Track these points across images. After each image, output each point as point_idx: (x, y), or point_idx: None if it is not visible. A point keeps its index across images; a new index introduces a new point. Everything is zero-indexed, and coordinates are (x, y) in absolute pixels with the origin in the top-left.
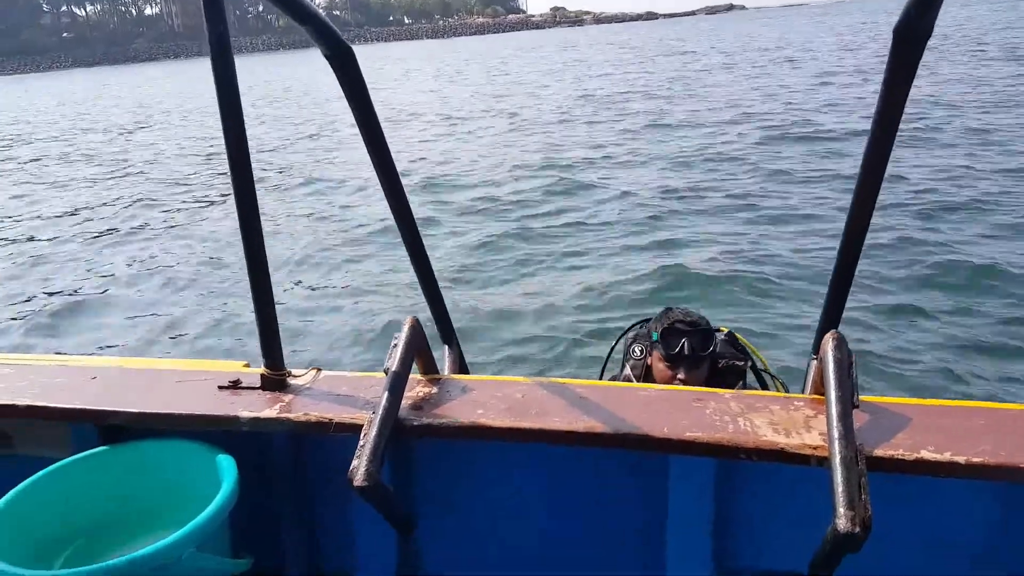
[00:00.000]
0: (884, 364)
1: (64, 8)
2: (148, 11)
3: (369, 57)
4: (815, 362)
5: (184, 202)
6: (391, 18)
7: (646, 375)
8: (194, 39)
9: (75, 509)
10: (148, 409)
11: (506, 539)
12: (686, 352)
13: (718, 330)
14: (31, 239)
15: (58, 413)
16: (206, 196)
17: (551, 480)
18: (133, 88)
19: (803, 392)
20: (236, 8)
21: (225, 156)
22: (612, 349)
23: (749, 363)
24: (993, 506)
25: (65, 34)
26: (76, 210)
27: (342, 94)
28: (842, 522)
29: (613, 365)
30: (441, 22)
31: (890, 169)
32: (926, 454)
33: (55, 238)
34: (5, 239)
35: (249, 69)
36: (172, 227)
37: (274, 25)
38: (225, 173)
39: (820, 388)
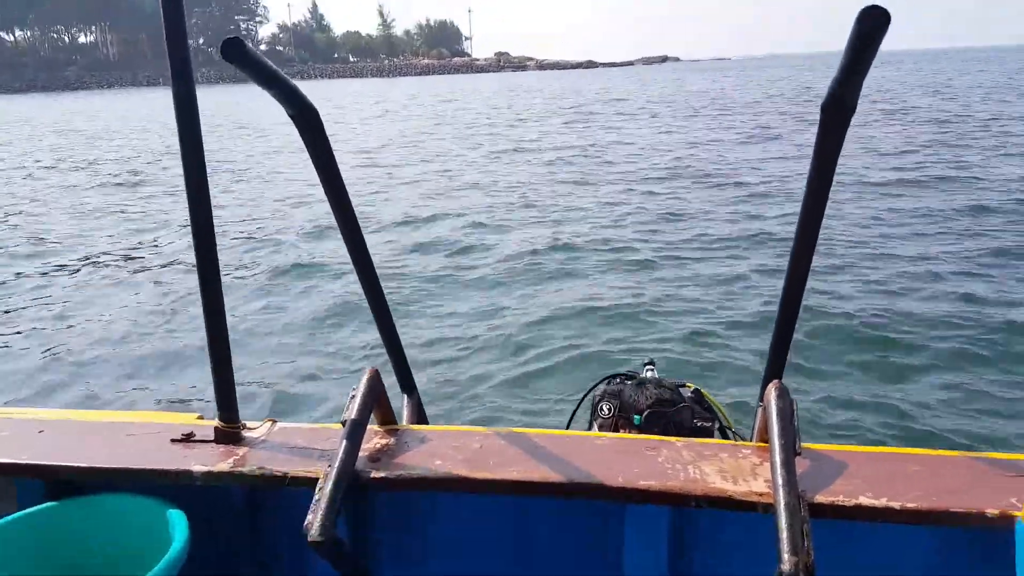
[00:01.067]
0: (823, 411)
1: None
2: (82, 39)
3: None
4: (760, 410)
5: (138, 245)
6: (336, 55)
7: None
8: (128, 68)
9: (22, 568)
10: (98, 463)
11: None
12: (643, 423)
13: (684, 385)
14: None
15: (3, 468)
16: (161, 241)
17: (509, 530)
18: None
19: (751, 439)
20: None
21: (184, 199)
22: (580, 403)
23: (717, 424)
24: (929, 549)
25: None
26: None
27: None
28: (787, 567)
29: (582, 413)
30: (387, 61)
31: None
32: (864, 500)
33: None
34: None
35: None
36: (122, 274)
37: (216, 58)
38: (180, 216)
39: (765, 435)
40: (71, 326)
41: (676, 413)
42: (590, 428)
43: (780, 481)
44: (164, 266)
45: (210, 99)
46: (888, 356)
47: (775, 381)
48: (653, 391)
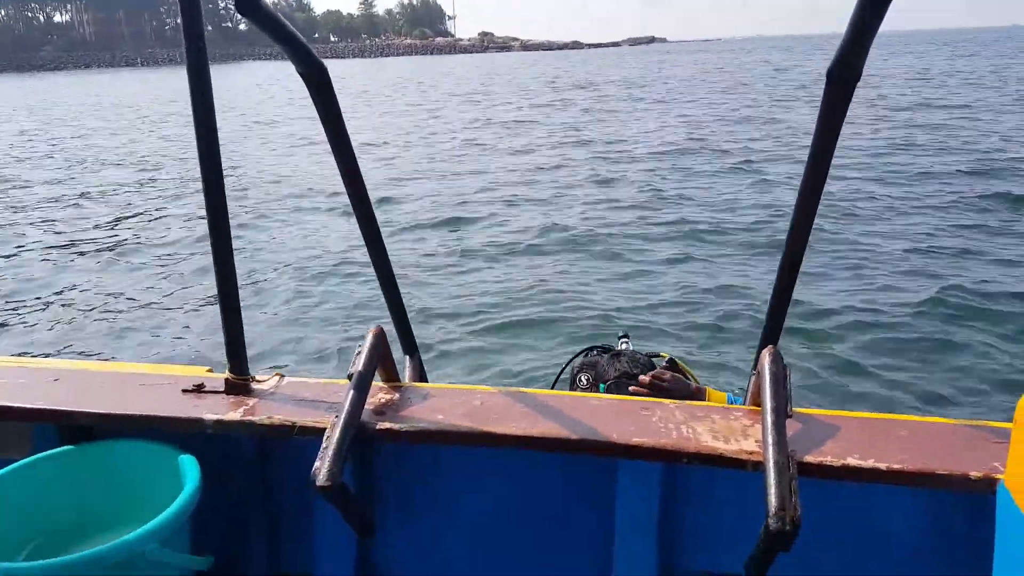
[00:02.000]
0: (817, 378)
1: None
2: (57, 18)
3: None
4: (754, 376)
5: (149, 208)
6: (316, 35)
7: None
8: (107, 48)
9: (36, 509)
10: (111, 410)
11: (462, 543)
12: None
13: (659, 355)
14: None
15: (20, 413)
16: (173, 203)
17: (506, 484)
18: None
19: (743, 404)
20: (154, 19)
21: (196, 166)
22: (560, 372)
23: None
24: (914, 510)
25: None
26: (33, 209)
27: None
28: (773, 521)
29: (561, 386)
30: (368, 42)
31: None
32: (852, 461)
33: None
34: None
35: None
36: (137, 233)
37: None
38: (193, 182)
39: (758, 400)
40: (88, 284)
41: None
42: None
43: (770, 440)
44: (179, 228)
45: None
46: (878, 331)
47: (769, 347)
48: (624, 363)
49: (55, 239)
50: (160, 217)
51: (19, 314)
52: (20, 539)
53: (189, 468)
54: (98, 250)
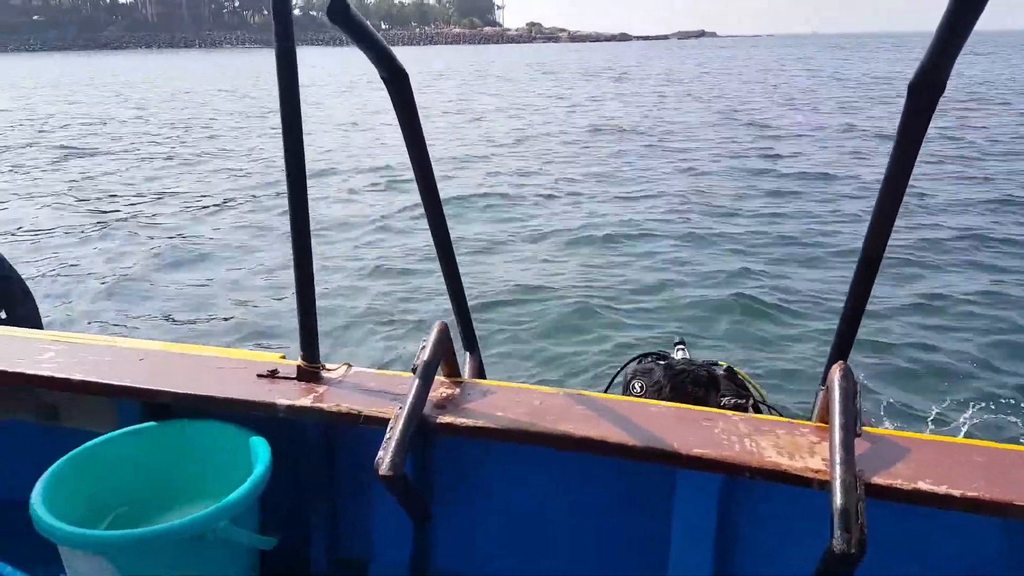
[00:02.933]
0: (889, 396)
1: None
2: None
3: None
4: (822, 392)
5: (233, 200)
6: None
7: None
8: (167, 29)
9: (118, 481)
10: (190, 391)
11: (515, 538)
12: (701, 395)
13: (716, 364)
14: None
15: (105, 389)
16: (257, 196)
17: (562, 485)
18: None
19: (810, 420)
20: (212, 3)
21: (281, 160)
22: (613, 380)
23: (751, 400)
24: (989, 540)
25: (36, 16)
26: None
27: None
28: (838, 542)
29: (614, 391)
30: (418, 30)
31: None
32: (923, 485)
33: (93, 225)
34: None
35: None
36: (218, 224)
37: (250, 22)
38: (277, 179)
39: (825, 416)
40: (173, 272)
41: (699, 392)
42: None
43: (838, 459)
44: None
45: (240, 61)
46: (951, 348)
47: (840, 362)
48: (682, 370)
49: (143, 229)
50: (245, 208)
51: (109, 297)
52: (103, 508)
53: (261, 450)
54: (172, 232)
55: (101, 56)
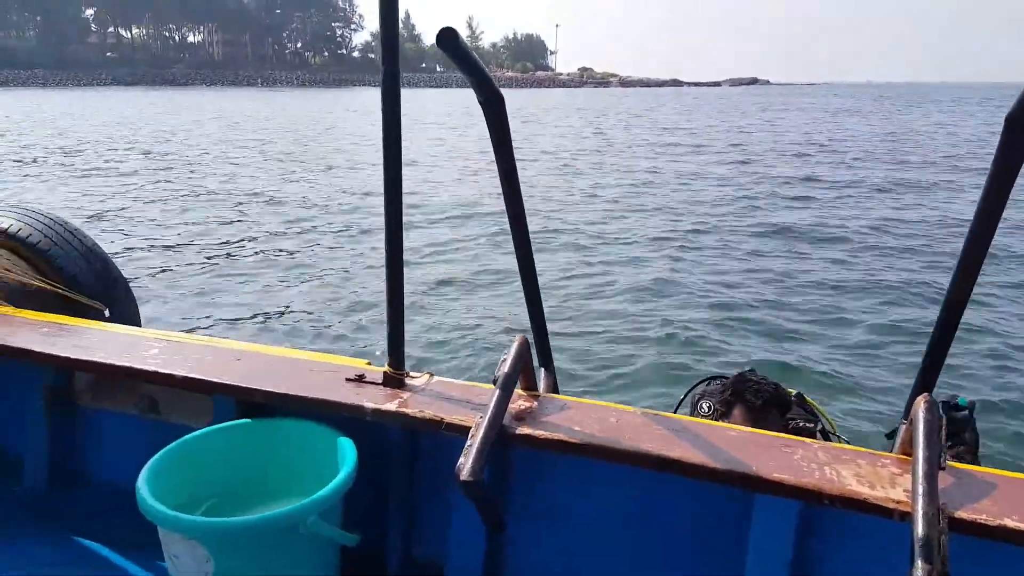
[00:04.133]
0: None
1: (111, 29)
2: (191, 38)
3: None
4: (904, 424)
5: (329, 225)
6: (423, 65)
7: None
8: (231, 68)
9: (213, 472)
10: (283, 390)
11: (586, 552)
12: (759, 405)
13: (787, 391)
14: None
15: (204, 386)
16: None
17: (637, 503)
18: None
19: (892, 452)
20: (276, 43)
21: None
22: (680, 402)
23: (819, 426)
24: None
25: (109, 53)
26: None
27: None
28: (919, 574)
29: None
30: None
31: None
32: (1009, 522)
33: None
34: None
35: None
36: (319, 243)
37: (309, 62)
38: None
39: (908, 449)
40: (270, 279)
41: (756, 402)
42: None
43: (920, 490)
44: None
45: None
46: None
47: (924, 395)
48: (750, 378)
49: (240, 239)
50: (332, 230)
51: (207, 301)
52: (199, 497)
53: (348, 450)
54: (276, 247)
55: (171, 92)
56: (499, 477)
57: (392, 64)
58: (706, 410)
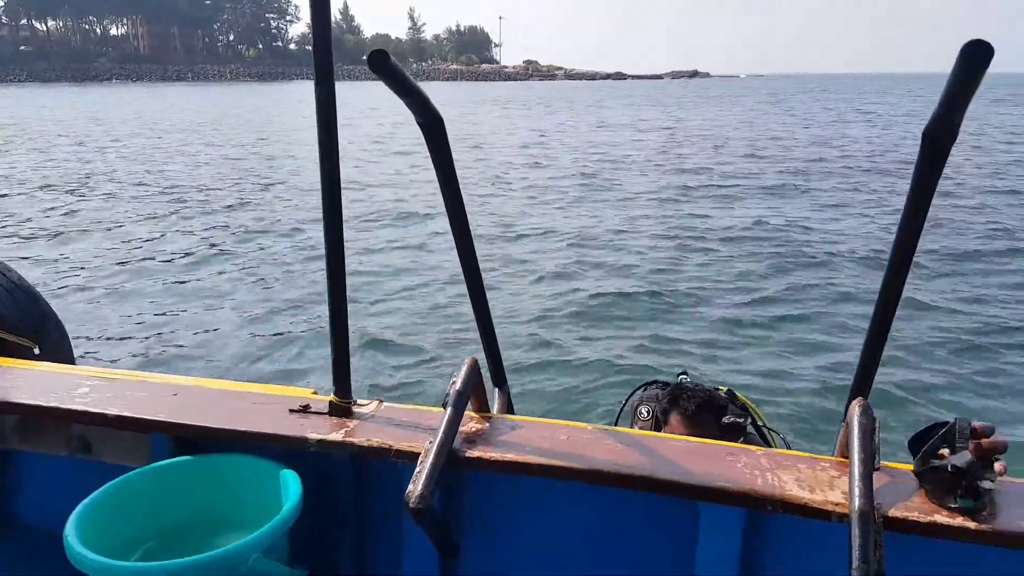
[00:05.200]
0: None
1: (24, 21)
2: (114, 31)
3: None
4: (843, 426)
5: (261, 236)
6: (364, 57)
7: None
8: (159, 62)
9: (151, 513)
10: (223, 425)
11: (541, 572)
12: (694, 412)
13: (718, 389)
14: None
15: (139, 424)
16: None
17: (588, 519)
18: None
19: (832, 455)
20: (206, 36)
21: (317, 195)
22: (621, 409)
23: (749, 420)
24: (1006, 572)
25: (23, 47)
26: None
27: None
28: (856, 574)
29: (623, 424)
30: (415, 66)
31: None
32: (940, 518)
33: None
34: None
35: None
36: (251, 263)
37: (243, 55)
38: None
39: (846, 451)
40: (207, 308)
41: (690, 406)
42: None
43: (856, 492)
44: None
45: (237, 95)
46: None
47: (859, 399)
48: (687, 390)
49: (175, 262)
50: (267, 248)
51: (141, 333)
52: (134, 542)
53: (292, 483)
54: (215, 273)
55: (94, 89)
56: (451, 501)
57: (327, 85)
58: (645, 414)
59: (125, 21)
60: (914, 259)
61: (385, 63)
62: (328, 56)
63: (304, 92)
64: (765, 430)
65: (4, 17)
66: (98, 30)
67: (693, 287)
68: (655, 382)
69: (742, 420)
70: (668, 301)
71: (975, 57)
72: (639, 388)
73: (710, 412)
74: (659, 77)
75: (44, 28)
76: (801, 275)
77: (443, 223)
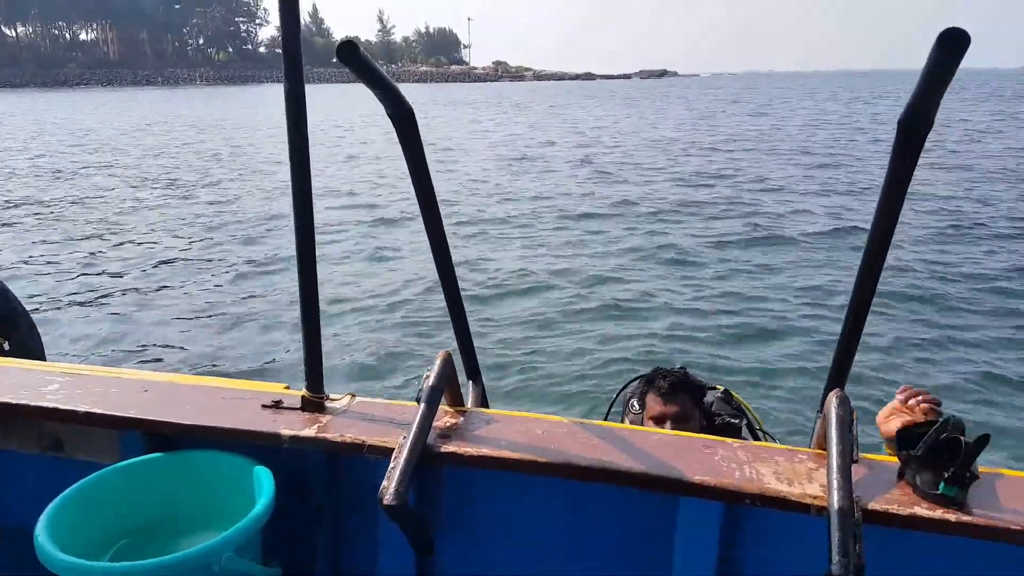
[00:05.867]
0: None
1: None
2: (83, 36)
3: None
4: (820, 418)
5: (237, 235)
6: (334, 60)
7: None
8: (129, 67)
9: (122, 512)
10: (194, 422)
11: (518, 566)
12: (668, 389)
13: (713, 387)
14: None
15: (110, 421)
16: (266, 232)
17: (565, 513)
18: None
19: (809, 447)
20: (176, 40)
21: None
22: (612, 403)
23: (744, 421)
24: (989, 564)
25: None
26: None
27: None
28: (836, 568)
29: (615, 416)
30: (385, 68)
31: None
32: (919, 511)
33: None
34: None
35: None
36: (224, 258)
37: (213, 59)
38: (278, 214)
39: (823, 443)
40: (177, 304)
41: (680, 380)
42: (622, 422)
43: (835, 485)
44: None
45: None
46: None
47: (836, 390)
48: (662, 370)
49: (147, 258)
50: (241, 240)
51: (112, 326)
52: (107, 540)
53: (264, 480)
54: (188, 268)
55: (64, 94)
56: (426, 496)
57: (296, 83)
58: (637, 408)
59: (95, 26)
60: (889, 250)
61: (354, 54)
62: (297, 56)
63: (274, 94)
64: (760, 433)
65: None
66: (68, 35)
67: (657, 287)
68: (647, 375)
69: (736, 421)
70: (622, 305)
71: (952, 45)
72: (631, 382)
73: (685, 391)
74: (628, 77)
75: (14, 34)
76: (775, 257)
77: (416, 220)
